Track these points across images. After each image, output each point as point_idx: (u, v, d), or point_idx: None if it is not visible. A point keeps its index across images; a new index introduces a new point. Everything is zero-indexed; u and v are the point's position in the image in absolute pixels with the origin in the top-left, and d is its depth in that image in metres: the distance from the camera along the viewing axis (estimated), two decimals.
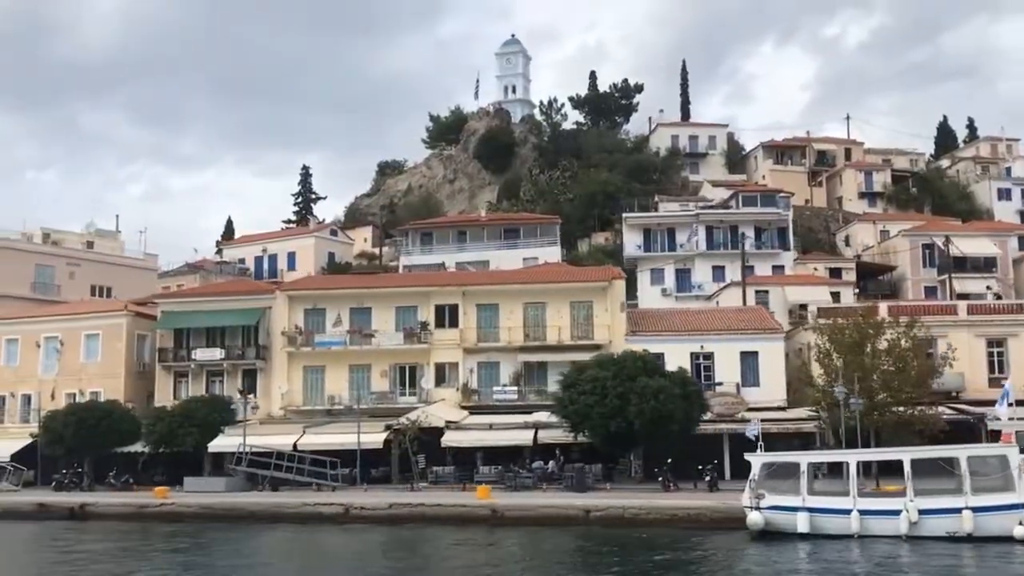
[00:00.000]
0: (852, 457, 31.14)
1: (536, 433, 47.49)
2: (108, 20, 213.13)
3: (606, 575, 25.19)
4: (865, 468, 35.07)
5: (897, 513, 29.12)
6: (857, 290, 67.36)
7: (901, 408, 41.31)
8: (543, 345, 53.98)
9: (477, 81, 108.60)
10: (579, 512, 33.70)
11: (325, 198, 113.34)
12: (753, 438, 35.08)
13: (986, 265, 71.39)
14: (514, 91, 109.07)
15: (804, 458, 31.84)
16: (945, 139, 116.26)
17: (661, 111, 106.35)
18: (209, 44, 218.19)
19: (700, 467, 41.44)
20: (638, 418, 40.49)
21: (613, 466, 44.12)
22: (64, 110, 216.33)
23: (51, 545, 33.74)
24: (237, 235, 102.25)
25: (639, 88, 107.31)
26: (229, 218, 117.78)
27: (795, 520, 29.83)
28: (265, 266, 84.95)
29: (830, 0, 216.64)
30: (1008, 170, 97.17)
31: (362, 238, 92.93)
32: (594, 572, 25.89)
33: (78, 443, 51.32)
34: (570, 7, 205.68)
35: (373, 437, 48.34)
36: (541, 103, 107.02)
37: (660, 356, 48.35)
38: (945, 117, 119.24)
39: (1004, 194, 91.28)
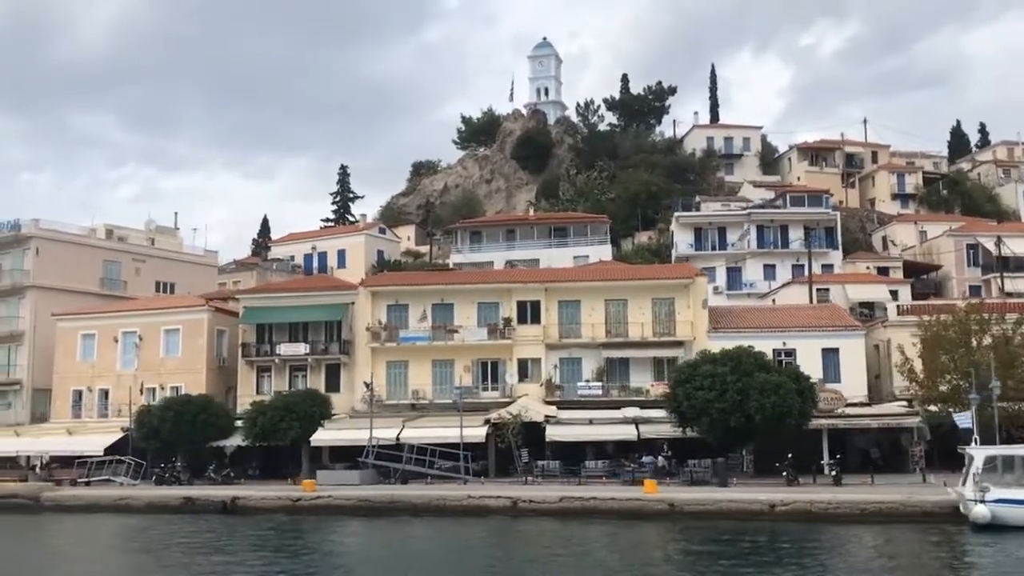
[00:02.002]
0: None
1: (639, 428, 48.39)
2: (101, 24, 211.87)
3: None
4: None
5: None
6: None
7: (1007, 404, 42.51)
8: (625, 341, 54.82)
9: (512, 83, 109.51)
10: (763, 507, 33.29)
11: (363, 197, 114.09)
12: (966, 429, 35.56)
13: None
14: (546, 93, 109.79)
15: None
16: (959, 143, 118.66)
17: (696, 113, 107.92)
18: (199, 49, 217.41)
19: (823, 461, 42.34)
20: (759, 413, 41.32)
21: (724, 461, 44.94)
22: (56, 112, 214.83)
23: (279, 541, 32.67)
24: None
25: (672, 90, 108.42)
26: (265, 217, 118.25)
27: None
28: (315, 263, 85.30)
29: (807, 10, 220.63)
30: None
31: (405, 236, 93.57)
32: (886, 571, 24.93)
33: (174, 437, 51.58)
34: (553, 15, 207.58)
35: (475, 431, 49.03)
36: (578, 104, 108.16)
37: None
38: (958, 121, 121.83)
39: None
